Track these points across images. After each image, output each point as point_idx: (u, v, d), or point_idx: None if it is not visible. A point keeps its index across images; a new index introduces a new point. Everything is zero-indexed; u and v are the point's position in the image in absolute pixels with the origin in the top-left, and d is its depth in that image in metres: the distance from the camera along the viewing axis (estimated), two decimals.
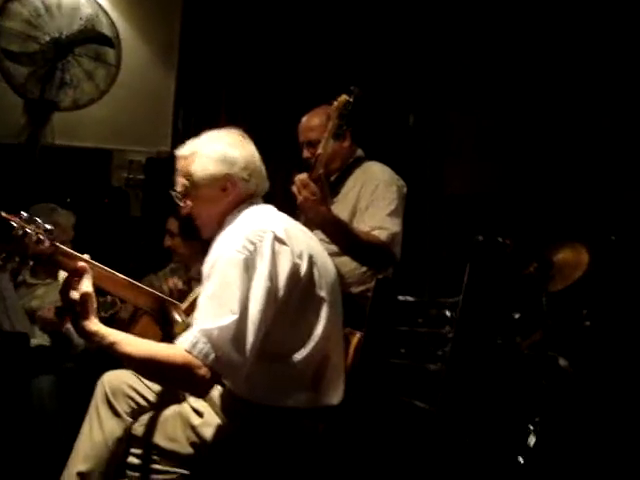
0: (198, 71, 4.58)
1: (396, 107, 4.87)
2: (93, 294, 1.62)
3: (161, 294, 2.01)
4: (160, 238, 3.43)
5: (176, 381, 1.64)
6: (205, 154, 1.85)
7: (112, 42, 4.24)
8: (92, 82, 4.26)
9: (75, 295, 1.58)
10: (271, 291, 1.64)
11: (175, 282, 2.86)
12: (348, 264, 2.66)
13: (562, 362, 3.48)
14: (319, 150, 2.52)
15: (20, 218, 1.65)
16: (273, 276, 1.65)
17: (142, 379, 1.93)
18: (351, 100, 2.46)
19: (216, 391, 1.78)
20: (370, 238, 2.56)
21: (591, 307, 3.67)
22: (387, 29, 4.84)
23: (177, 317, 1.95)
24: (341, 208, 2.68)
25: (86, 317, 1.58)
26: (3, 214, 1.63)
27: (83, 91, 4.24)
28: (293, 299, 1.71)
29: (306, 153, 2.81)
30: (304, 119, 2.85)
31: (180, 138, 4.37)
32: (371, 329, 2.06)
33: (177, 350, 1.57)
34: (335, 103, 2.50)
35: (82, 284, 1.60)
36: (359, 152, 2.89)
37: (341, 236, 2.53)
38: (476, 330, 2.78)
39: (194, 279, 2.90)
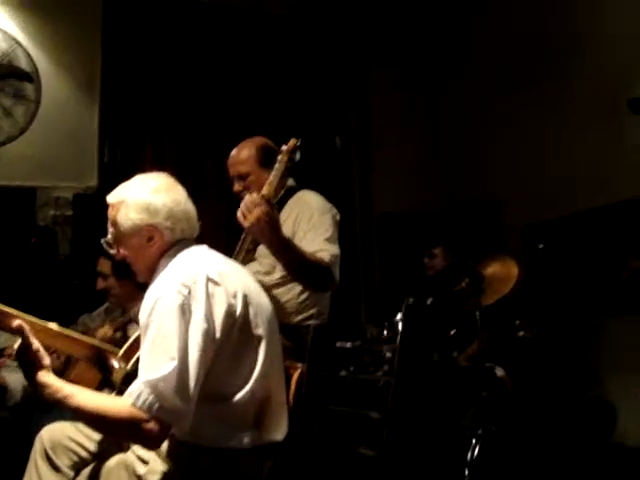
0: (122, 104, 4.54)
1: (322, 130, 4.94)
2: (42, 348, 1.64)
3: (96, 342, 1.98)
4: (92, 276, 3.35)
5: (126, 435, 1.67)
6: (129, 203, 1.84)
7: (31, 77, 4.16)
8: (11, 119, 4.16)
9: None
10: (209, 333, 1.65)
11: (105, 331, 2.83)
12: (287, 294, 2.67)
13: (499, 372, 3.59)
14: (264, 191, 2.52)
15: None
16: (209, 318, 1.67)
17: (82, 429, 1.89)
18: (299, 144, 2.53)
19: None
20: (314, 259, 2.56)
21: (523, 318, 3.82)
22: (307, 53, 4.92)
23: (115, 364, 1.92)
24: None
25: (39, 369, 1.61)
26: None
27: (1, 128, 4.13)
28: (231, 339, 1.71)
29: (237, 187, 2.80)
30: (233, 152, 2.84)
31: (106, 172, 4.34)
32: (310, 378, 2.06)
33: (124, 404, 1.59)
34: (284, 147, 2.54)
35: (30, 341, 1.62)
36: (290, 182, 2.90)
37: (289, 255, 2.52)
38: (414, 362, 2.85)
39: (133, 320, 2.85)
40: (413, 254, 4.68)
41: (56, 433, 1.88)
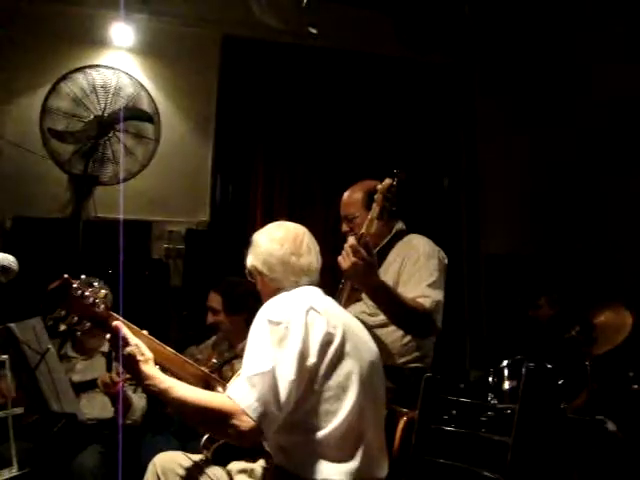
0: (234, 143, 4.74)
1: (431, 171, 4.95)
2: (142, 343, 1.81)
3: (206, 371, 2.07)
4: (201, 308, 3.47)
5: (219, 426, 1.74)
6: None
7: (152, 118, 4.41)
8: (132, 156, 4.41)
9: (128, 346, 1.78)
10: (303, 354, 1.75)
11: (212, 364, 2.94)
12: (390, 335, 2.67)
13: (611, 426, 3.41)
14: (362, 229, 2.58)
15: (80, 281, 1.86)
16: (305, 341, 1.76)
17: (193, 458, 1.96)
18: (395, 183, 2.56)
19: (258, 466, 1.81)
20: (415, 305, 2.56)
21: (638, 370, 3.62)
22: (417, 93, 4.95)
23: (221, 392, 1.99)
24: (384, 279, 2.69)
25: (142, 362, 1.77)
26: (66, 276, 1.83)
27: (123, 166, 4.39)
28: (323, 369, 1.79)
29: (344, 227, 2.88)
30: (345, 194, 2.91)
31: (218, 208, 4.51)
32: (422, 428, 2.05)
33: (222, 397, 1.72)
34: (379, 187, 2.58)
35: (129, 337, 1.80)
36: (399, 225, 2.92)
37: (388, 301, 2.55)
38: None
39: (239, 356, 2.93)
40: (521, 297, 4.56)
41: (169, 460, 1.98)
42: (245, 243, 2.17)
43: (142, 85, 4.44)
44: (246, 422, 1.66)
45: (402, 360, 2.67)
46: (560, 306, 3.78)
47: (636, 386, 3.52)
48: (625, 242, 4.57)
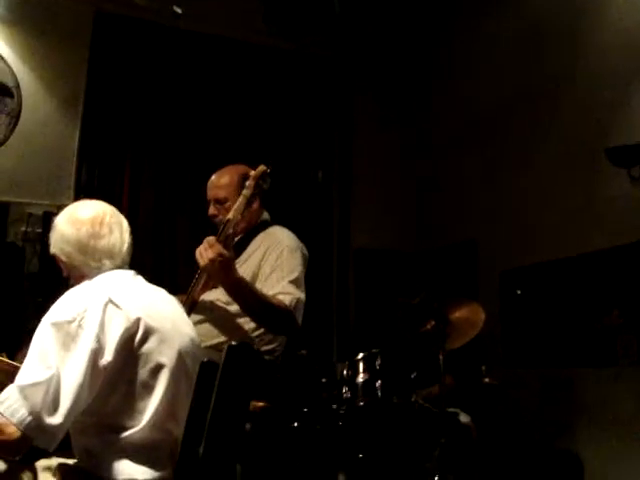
0: (103, 125, 4.51)
1: (306, 163, 4.95)
2: None
3: (12, 362, 1.93)
4: (59, 294, 3.28)
5: None
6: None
7: (11, 92, 4.14)
8: None
9: None
10: (96, 354, 1.63)
11: None
12: (246, 324, 2.64)
13: (464, 418, 3.52)
14: (229, 215, 2.57)
15: None
16: (100, 338, 1.64)
17: None
18: (268, 170, 2.57)
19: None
20: (274, 301, 2.54)
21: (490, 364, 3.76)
22: (291, 84, 4.95)
23: None
24: (243, 270, 2.66)
25: None
26: None
27: None
28: (126, 366, 1.68)
29: (212, 210, 2.81)
30: (213, 177, 2.85)
31: (82, 192, 4.30)
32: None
33: None
34: (252, 172, 2.57)
35: None
36: (265, 215, 2.91)
37: (244, 297, 2.53)
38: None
39: None
40: (388, 292, 4.64)
41: None
42: None
43: (1, 55, 4.15)
44: (14, 434, 1.53)
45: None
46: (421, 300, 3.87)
47: (487, 379, 3.66)
48: (487, 241, 4.74)
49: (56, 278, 3.51)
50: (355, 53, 5.04)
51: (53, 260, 1.96)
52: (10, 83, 4.17)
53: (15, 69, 4.22)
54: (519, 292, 4.62)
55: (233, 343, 1.77)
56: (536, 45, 4.48)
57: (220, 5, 4.71)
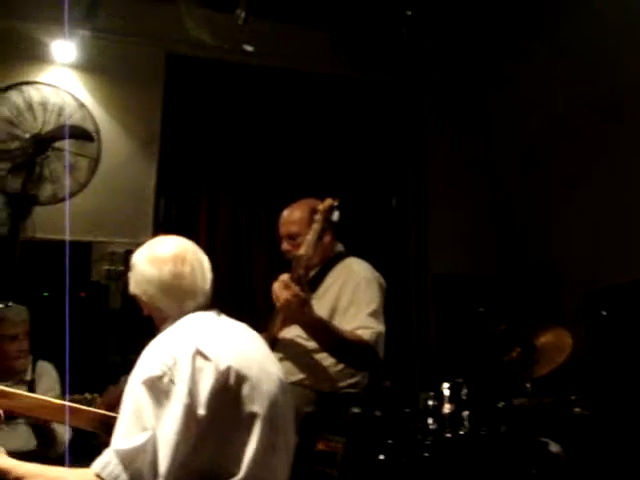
0: (179, 163, 4.65)
1: (379, 191, 4.93)
2: None
3: (103, 411, 1.90)
4: (140, 331, 3.34)
5: None
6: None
7: (92, 137, 4.31)
8: (71, 176, 4.30)
9: None
10: (190, 409, 1.56)
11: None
12: (326, 359, 2.58)
13: (554, 448, 3.37)
14: (301, 251, 2.51)
15: None
16: (193, 392, 1.57)
17: None
18: (336, 204, 2.52)
19: None
20: (353, 337, 2.49)
21: (580, 392, 3.60)
22: (365, 113, 4.95)
23: None
24: (320, 305, 2.62)
25: None
26: None
27: (62, 185, 4.27)
28: (218, 418, 1.60)
29: (285, 246, 2.77)
30: (285, 212, 2.82)
31: (161, 229, 4.41)
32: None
33: (87, 475, 1.54)
34: (320, 207, 2.53)
35: None
36: (339, 247, 2.85)
37: (323, 336, 2.49)
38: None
39: None
40: (469, 318, 4.53)
41: None
42: None
43: (83, 103, 4.36)
44: None
45: (336, 386, 2.59)
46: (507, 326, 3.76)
47: (578, 409, 3.50)
48: (569, 262, 4.59)
49: (138, 315, 3.63)
50: (423, 77, 5.01)
51: (134, 298, 1.90)
52: (90, 128, 4.33)
53: (95, 114, 4.39)
54: (605, 313, 4.45)
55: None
56: (604, 55, 4.35)
57: (288, 38, 4.80)
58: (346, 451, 2.37)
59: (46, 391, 3.13)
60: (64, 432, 2.98)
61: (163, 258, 1.82)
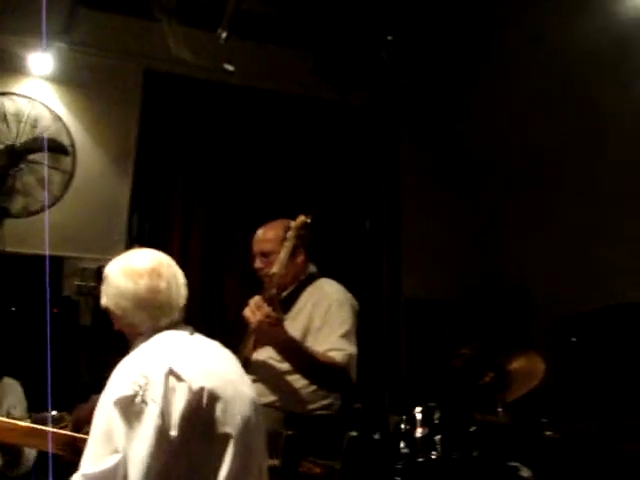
0: (153, 179, 4.61)
1: (353, 213, 4.95)
2: None
3: (70, 433, 1.88)
4: (111, 348, 3.30)
5: None
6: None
7: (66, 150, 4.27)
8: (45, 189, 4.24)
9: None
10: (162, 430, 1.54)
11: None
12: (298, 381, 2.58)
13: (525, 473, 3.38)
14: (274, 269, 2.52)
15: None
16: (165, 413, 1.55)
17: None
18: (309, 221, 2.53)
19: None
20: (325, 359, 2.49)
21: (551, 416, 3.63)
22: (339, 134, 4.98)
23: None
24: (293, 326, 2.62)
25: None
26: None
27: (35, 198, 4.22)
28: (192, 438, 1.58)
29: (258, 263, 2.78)
30: (260, 231, 2.83)
31: (133, 245, 4.36)
32: None
33: None
34: (292, 224, 2.55)
35: None
36: (312, 268, 2.86)
37: (295, 357, 2.49)
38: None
39: None
40: (440, 342, 4.56)
41: None
42: None
43: (59, 116, 4.32)
44: None
45: (309, 407, 2.58)
46: (477, 352, 3.78)
47: (549, 432, 3.52)
48: (539, 288, 4.64)
49: (109, 332, 3.58)
50: (400, 103, 5.07)
51: (106, 313, 1.87)
52: (66, 141, 4.29)
53: (70, 128, 4.35)
54: (574, 340, 4.50)
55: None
56: (586, 80, 4.42)
57: (269, 59, 4.83)
58: (343, 475, 2.35)
59: (11, 408, 3.07)
60: (30, 451, 2.93)
61: (139, 271, 1.79)
